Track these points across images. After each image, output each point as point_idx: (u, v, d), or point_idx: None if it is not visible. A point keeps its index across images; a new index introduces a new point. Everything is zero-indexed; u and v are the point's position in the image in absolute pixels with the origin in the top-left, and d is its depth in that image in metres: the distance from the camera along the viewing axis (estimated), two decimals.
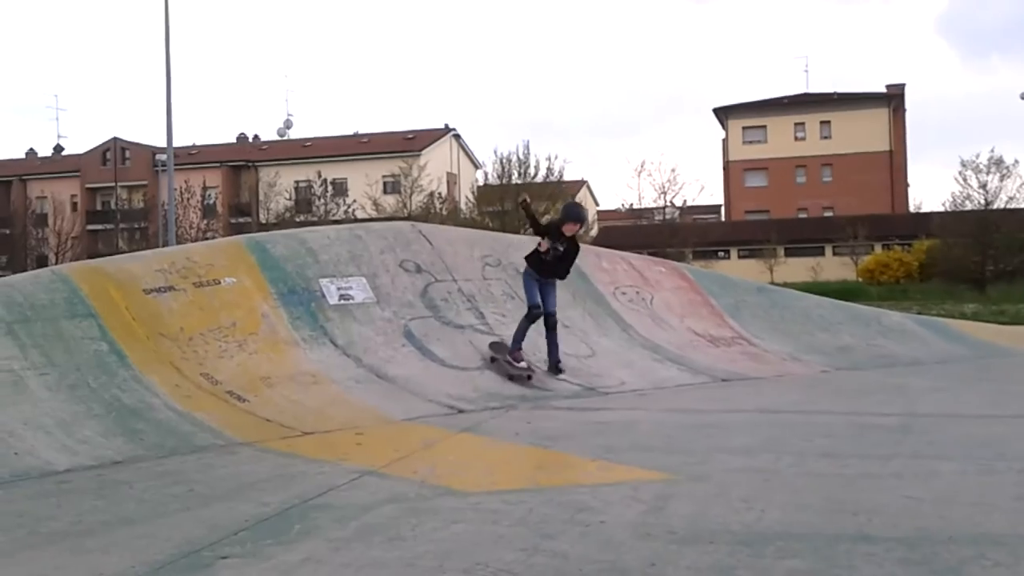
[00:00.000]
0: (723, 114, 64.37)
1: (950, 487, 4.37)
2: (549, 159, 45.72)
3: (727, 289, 11.07)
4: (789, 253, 49.47)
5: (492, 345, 7.95)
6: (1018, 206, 35.30)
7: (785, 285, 16.77)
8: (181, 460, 5.19)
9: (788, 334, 10.23)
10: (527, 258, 8.03)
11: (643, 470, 4.82)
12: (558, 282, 8.09)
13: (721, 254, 51.10)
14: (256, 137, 66.78)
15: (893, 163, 61.03)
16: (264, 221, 47.40)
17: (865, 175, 58.75)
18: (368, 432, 6.03)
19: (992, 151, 37.23)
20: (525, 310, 7.88)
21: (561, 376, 7.78)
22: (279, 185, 51.49)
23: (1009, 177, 35.67)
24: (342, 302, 7.87)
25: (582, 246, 8.60)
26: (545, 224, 8.23)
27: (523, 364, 7.63)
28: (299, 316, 7.52)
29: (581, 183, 63.73)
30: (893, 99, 61.72)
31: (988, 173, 35.69)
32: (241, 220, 52.91)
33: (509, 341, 7.97)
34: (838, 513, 3.89)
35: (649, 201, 48.69)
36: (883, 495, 4.19)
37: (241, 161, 61.59)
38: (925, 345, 10.71)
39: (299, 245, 8.32)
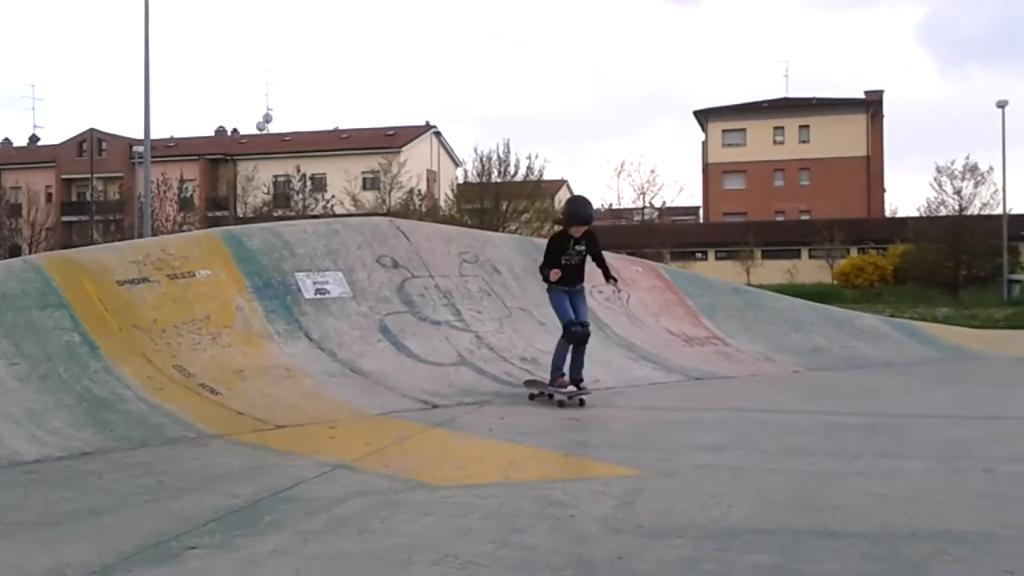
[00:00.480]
0: (703, 117, 64.71)
1: (915, 485, 4.43)
2: (529, 158, 45.80)
3: (703, 289, 11.14)
4: (766, 255, 49.78)
5: (527, 383, 7.42)
6: (992, 212, 35.76)
7: (761, 287, 16.88)
8: (151, 452, 5.17)
9: (762, 334, 10.31)
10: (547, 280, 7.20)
11: (614, 466, 4.86)
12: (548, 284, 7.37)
13: (699, 255, 51.36)
14: (235, 131, 66.36)
15: (870, 168, 61.60)
16: (241, 215, 47.11)
17: (842, 179, 59.26)
18: (341, 426, 6.03)
19: (967, 158, 37.69)
20: (502, 306, 7.85)
21: (538, 375, 7.78)
22: (257, 179, 51.17)
23: (983, 184, 36.18)
24: (318, 296, 7.85)
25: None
26: (548, 255, 7.21)
27: (571, 388, 7.00)
28: (274, 310, 7.50)
29: (561, 182, 63.86)
30: (871, 105, 62.29)
31: (963, 179, 36.18)
32: (218, 214, 52.45)
33: (497, 347, 7.96)
34: (804, 509, 3.94)
35: (628, 202, 48.96)
36: (849, 492, 4.25)
37: (219, 154, 61.17)
38: (897, 347, 10.83)
39: (275, 239, 8.29)
